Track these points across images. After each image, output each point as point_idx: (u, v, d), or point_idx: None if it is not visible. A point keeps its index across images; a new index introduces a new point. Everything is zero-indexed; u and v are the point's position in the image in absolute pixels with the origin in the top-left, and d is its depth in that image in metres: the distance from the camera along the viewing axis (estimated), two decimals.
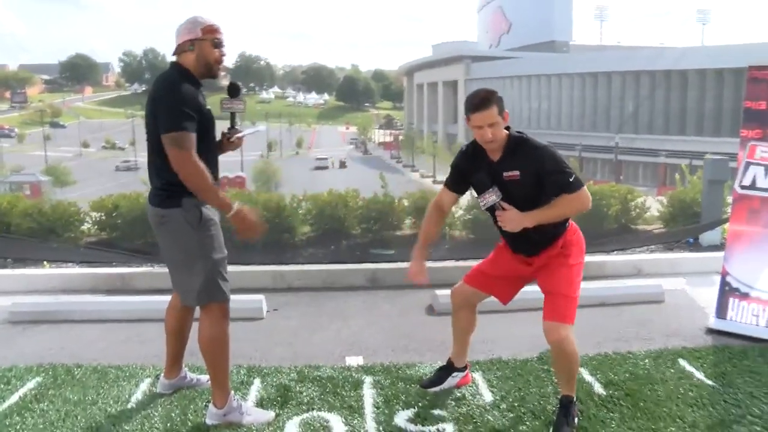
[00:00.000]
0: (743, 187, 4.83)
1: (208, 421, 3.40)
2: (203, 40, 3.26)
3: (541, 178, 3.31)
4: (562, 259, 3.47)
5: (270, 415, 3.49)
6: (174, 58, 3.34)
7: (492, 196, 3.34)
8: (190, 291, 3.36)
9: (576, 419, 3.36)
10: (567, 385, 3.43)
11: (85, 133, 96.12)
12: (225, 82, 3.67)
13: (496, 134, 3.31)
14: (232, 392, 3.49)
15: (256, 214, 3.33)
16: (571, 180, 3.29)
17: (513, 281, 3.70)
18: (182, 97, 3.14)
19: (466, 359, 3.93)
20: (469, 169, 3.52)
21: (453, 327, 3.85)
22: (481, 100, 3.29)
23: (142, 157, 66.62)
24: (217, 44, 3.31)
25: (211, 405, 3.44)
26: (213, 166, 3.38)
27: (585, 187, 3.34)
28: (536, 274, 3.56)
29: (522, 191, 3.36)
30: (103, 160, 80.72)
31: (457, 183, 3.62)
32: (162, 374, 3.84)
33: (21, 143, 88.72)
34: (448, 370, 3.87)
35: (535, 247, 3.49)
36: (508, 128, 3.39)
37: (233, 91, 3.63)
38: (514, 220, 3.34)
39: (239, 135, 3.58)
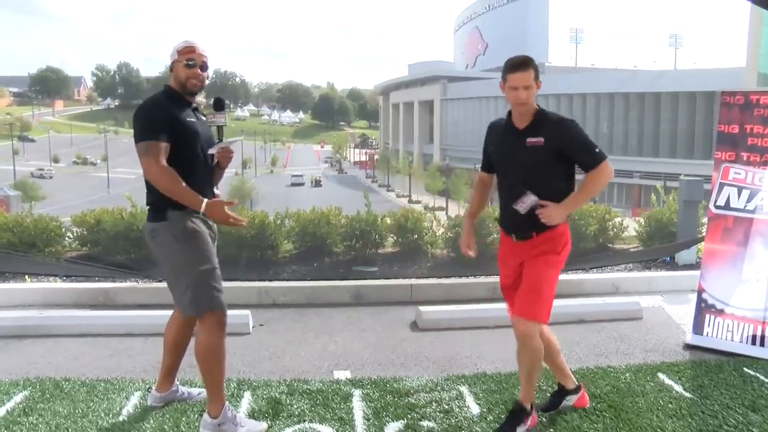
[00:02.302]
0: (718, 207, 5.00)
1: (203, 431, 3.44)
2: (178, 61, 3.49)
3: (564, 149, 3.40)
4: (550, 254, 3.49)
5: (263, 426, 3.55)
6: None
7: (530, 198, 3.40)
8: (181, 301, 3.49)
9: (522, 429, 3.45)
10: (525, 386, 3.52)
11: (56, 148, 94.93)
12: (199, 98, 3.79)
13: (530, 97, 3.39)
14: (227, 403, 3.53)
15: (224, 207, 3.41)
16: (597, 151, 3.41)
17: (520, 277, 3.64)
18: (154, 110, 3.39)
19: (572, 378, 3.81)
20: (492, 139, 3.66)
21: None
22: (521, 61, 3.38)
23: (114, 173, 66.15)
24: (189, 64, 3.48)
25: (205, 414, 3.49)
26: (202, 177, 3.52)
27: (608, 161, 3.43)
28: (524, 265, 3.56)
29: (540, 158, 3.41)
30: (74, 176, 79.81)
31: (488, 162, 3.75)
32: (153, 387, 3.87)
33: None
34: (560, 395, 3.81)
35: (532, 226, 3.48)
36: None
37: (217, 105, 3.79)
38: (556, 211, 3.39)
39: (223, 145, 3.67)
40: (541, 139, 3.40)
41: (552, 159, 3.43)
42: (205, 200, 3.35)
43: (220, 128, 3.73)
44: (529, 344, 3.42)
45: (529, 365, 3.48)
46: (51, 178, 72.02)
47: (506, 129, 3.56)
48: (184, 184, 3.32)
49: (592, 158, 3.41)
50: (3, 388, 4.07)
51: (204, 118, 3.64)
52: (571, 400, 3.79)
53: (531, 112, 3.46)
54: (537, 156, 3.41)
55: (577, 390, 3.81)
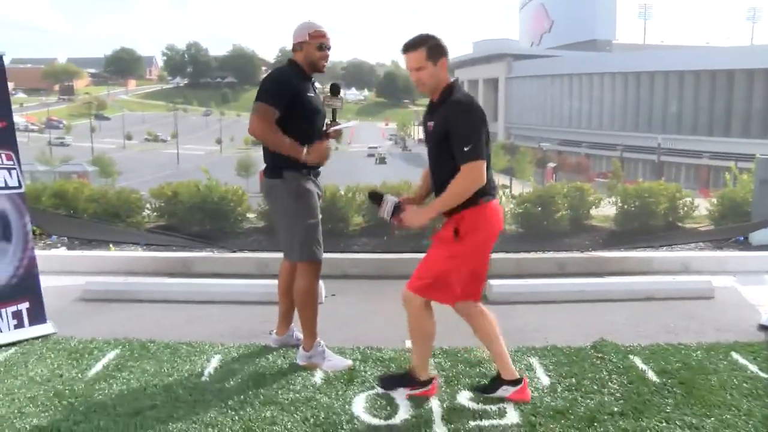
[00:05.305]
0: None
1: (299, 362, 4.05)
2: (309, 43, 3.93)
3: (448, 134, 3.25)
4: (449, 241, 3.33)
5: (348, 362, 4.03)
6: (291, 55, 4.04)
7: (389, 201, 3.41)
8: (291, 248, 4.02)
9: (403, 390, 3.62)
10: (413, 353, 3.68)
11: (129, 126, 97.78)
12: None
13: (422, 79, 3.31)
14: (319, 339, 4.06)
15: (322, 147, 3.92)
16: (465, 150, 3.17)
17: None
18: (277, 80, 3.86)
19: (511, 369, 3.66)
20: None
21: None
22: (410, 43, 3.32)
23: (183, 149, 67.82)
24: (322, 47, 3.95)
25: (300, 348, 4.08)
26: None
27: (478, 162, 3.18)
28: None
29: (432, 143, 3.36)
30: (145, 152, 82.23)
31: None
32: (275, 331, 4.39)
33: (68, 134, 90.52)
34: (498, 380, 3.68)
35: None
36: (455, 83, 3.37)
37: (334, 90, 4.19)
38: (416, 215, 3.35)
39: (336, 128, 4.11)
40: (433, 123, 3.34)
41: (437, 143, 3.33)
42: (305, 149, 3.79)
43: (334, 111, 4.14)
44: (408, 311, 3.51)
45: (411, 332, 3.60)
46: (69, 146, 75.91)
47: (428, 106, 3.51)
48: (281, 133, 3.72)
49: (459, 155, 3.20)
50: (98, 345, 4.40)
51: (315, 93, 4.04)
52: (508, 391, 3.60)
53: (437, 93, 3.36)
54: (432, 140, 3.36)
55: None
